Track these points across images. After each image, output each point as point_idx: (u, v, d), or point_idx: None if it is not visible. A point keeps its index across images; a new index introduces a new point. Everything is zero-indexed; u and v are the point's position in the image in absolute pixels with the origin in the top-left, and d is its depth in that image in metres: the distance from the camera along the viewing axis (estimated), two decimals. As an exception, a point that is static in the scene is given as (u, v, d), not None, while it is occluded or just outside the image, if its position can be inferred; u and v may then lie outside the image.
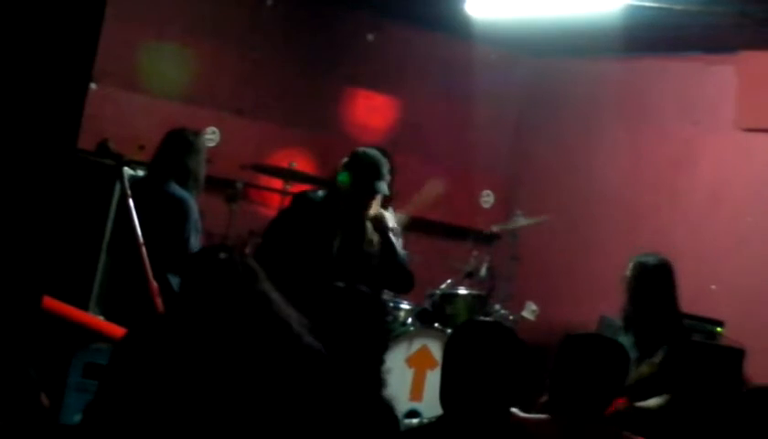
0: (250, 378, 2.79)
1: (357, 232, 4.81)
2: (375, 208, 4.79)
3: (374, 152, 4.82)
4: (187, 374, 2.78)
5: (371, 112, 7.64)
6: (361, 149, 4.87)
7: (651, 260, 5.18)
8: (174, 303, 4.73)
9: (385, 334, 3.31)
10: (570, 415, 3.23)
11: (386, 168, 4.79)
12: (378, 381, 3.17)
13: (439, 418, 2.98)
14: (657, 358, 4.87)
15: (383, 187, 4.77)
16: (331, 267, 4.70)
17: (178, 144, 5.39)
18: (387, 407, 3.14)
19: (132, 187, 5.23)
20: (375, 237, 4.83)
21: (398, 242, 4.88)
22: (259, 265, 4.43)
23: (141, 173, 5.50)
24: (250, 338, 2.84)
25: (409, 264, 4.98)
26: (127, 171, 5.02)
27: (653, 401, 4.75)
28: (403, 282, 4.97)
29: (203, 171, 5.46)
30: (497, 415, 2.89)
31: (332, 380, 2.88)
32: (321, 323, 3.03)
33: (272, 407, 2.77)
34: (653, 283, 5.12)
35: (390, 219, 4.90)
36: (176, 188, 5.27)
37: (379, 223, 4.81)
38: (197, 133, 5.54)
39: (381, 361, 3.21)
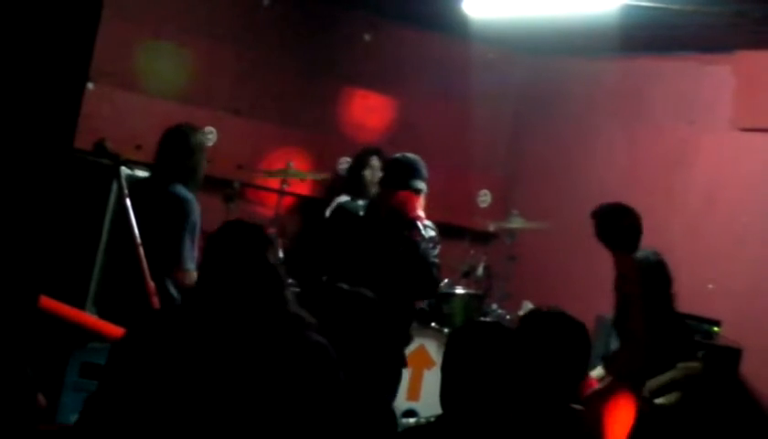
0: (255, 368, 2.77)
1: (394, 237, 4.82)
2: (415, 208, 4.82)
3: (413, 155, 4.92)
4: (189, 368, 2.77)
5: (368, 111, 7.64)
6: (399, 154, 4.98)
7: (651, 256, 5.13)
8: (171, 304, 4.73)
9: (383, 337, 3.30)
10: (534, 398, 3.14)
11: (424, 170, 4.86)
12: (379, 381, 3.17)
13: (438, 418, 2.98)
14: (699, 356, 4.82)
15: (421, 185, 4.82)
16: (368, 273, 4.69)
17: (179, 143, 5.31)
18: (385, 406, 3.14)
19: (136, 188, 5.21)
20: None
21: (434, 251, 4.90)
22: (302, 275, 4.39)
23: (138, 172, 5.48)
24: (259, 326, 2.82)
25: (437, 273, 4.96)
26: (124, 171, 5.01)
27: (666, 399, 4.73)
28: (425, 288, 4.96)
29: (204, 168, 5.40)
30: (498, 415, 2.89)
31: (336, 378, 2.87)
32: (322, 322, 3.03)
33: (273, 399, 2.76)
34: (654, 280, 5.06)
35: (429, 227, 4.92)
36: (180, 189, 5.16)
37: (411, 224, 4.80)
38: (197, 130, 5.44)
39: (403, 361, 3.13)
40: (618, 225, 4.08)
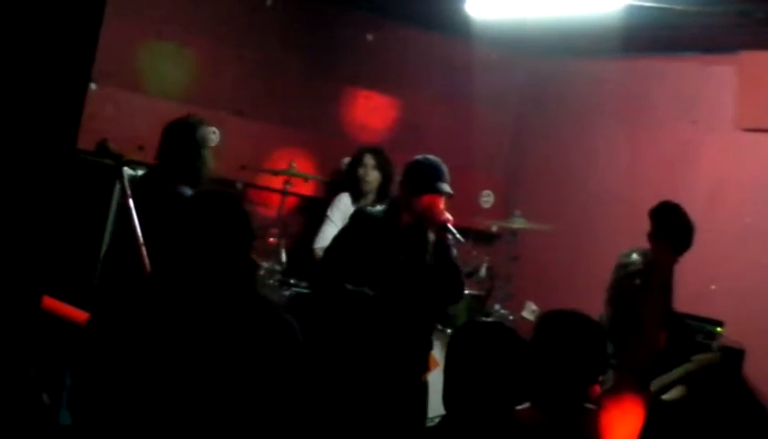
0: (224, 344, 2.76)
1: (421, 242, 4.78)
2: (443, 212, 4.77)
3: (434, 157, 4.86)
4: (157, 347, 2.75)
5: (371, 112, 7.64)
6: (420, 156, 4.93)
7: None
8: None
9: (386, 335, 3.30)
10: (550, 399, 3.15)
11: (447, 172, 4.80)
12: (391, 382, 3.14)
13: (442, 418, 2.98)
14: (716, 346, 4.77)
15: (446, 187, 4.77)
16: (397, 281, 4.66)
17: (184, 139, 5.18)
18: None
19: (138, 187, 5.16)
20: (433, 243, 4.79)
21: (454, 253, 4.88)
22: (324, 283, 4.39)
23: (141, 172, 5.47)
24: (227, 304, 2.81)
25: (461, 274, 4.94)
26: (127, 171, 5.00)
27: (674, 393, 4.70)
28: (454, 292, 4.93)
29: (212, 164, 5.26)
30: (500, 415, 2.89)
31: (301, 358, 2.85)
32: (326, 322, 3.03)
33: (241, 375, 2.75)
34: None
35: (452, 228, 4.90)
36: (187, 192, 5.05)
37: (443, 228, 4.76)
38: (202, 123, 5.29)
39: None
40: (672, 220, 4.05)
